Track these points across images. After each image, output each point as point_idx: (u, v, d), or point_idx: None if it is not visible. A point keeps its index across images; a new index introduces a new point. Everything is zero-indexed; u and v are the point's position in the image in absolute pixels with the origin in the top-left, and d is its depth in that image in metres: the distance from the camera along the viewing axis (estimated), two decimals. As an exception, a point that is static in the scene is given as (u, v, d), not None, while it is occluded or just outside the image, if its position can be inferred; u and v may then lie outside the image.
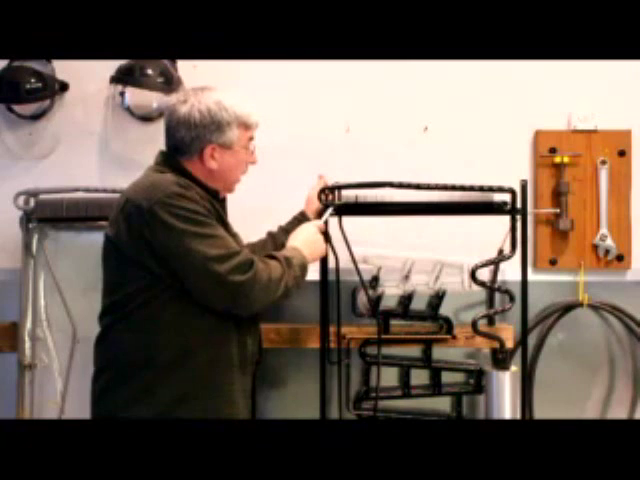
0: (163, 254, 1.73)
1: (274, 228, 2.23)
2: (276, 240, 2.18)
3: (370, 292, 2.33)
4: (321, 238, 2.03)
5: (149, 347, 1.76)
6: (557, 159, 2.45)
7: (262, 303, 1.78)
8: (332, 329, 2.31)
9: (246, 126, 1.89)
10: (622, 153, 2.46)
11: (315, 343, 2.29)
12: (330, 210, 2.10)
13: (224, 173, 1.88)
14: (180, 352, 1.77)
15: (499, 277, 2.35)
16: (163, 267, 1.74)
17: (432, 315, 2.39)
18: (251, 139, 1.92)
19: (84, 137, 2.52)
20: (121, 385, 1.78)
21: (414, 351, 2.45)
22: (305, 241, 1.97)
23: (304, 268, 1.89)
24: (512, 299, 2.20)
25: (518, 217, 2.14)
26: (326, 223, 2.08)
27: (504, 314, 2.38)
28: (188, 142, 1.83)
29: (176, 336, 1.77)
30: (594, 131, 2.47)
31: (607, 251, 2.45)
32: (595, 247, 2.46)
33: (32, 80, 2.39)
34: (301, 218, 2.22)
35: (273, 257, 1.85)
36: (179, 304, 1.77)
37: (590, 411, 2.50)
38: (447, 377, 2.44)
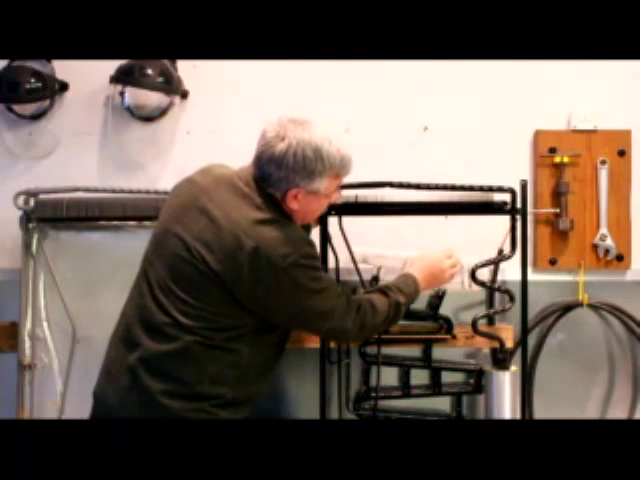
0: (282, 305, 1.80)
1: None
2: None
3: (370, 292, 2.32)
4: (446, 269, 2.09)
5: (226, 371, 1.82)
6: (557, 159, 2.45)
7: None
8: (332, 329, 2.31)
9: (338, 176, 1.87)
10: (622, 153, 2.46)
11: (315, 343, 2.28)
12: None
13: (303, 214, 1.88)
14: (248, 375, 1.87)
15: (499, 277, 2.35)
16: (268, 313, 1.82)
17: (432, 315, 2.39)
18: (339, 185, 1.91)
19: (84, 137, 2.52)
20: (191, 394, 1.81)
21: (414, 351, 2.45)
22: (429, 273, 2.07)
23: (409, 305, 2.01)
24: (512, 299, 2.20)
25: (518, 217, 2.14)
26: None
27: (504, 314, 2.38)
28: (275, 180, 1.79)
29: (251, 365, 1.86)
30: (594, 131, 2.47)
31: (607, 251, 2.45)
32: (595, 247, 2.46)
33: (32, 80, 2.39)
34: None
35: (387, 295, 1.95)
36: (258, 341, 1.85)
37: (590, 411, 2.50)
38: (447, 377, 2.44)
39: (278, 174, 1.78)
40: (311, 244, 1.84)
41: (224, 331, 1.80)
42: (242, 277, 1.75)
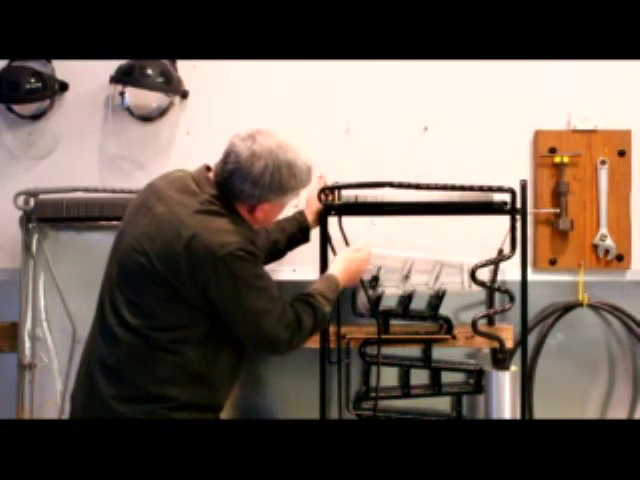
0: (220, 297, 1.77)
1: (274, 228, 2.24)
2: (269, 236, 2.18)
3: (370, 292, 2.32)
4: (363, 264, 2.14)
5: (175, 373, 1.81)
6: (557, 159, 2.45)
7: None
8: (332, 329, 2.31)
9: (305, 187, 1.91)
10: (622, 153, 2.46)
11: (315, 343, 2.28)
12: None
13: (264, 221, 1.91)
14: (202, 380, 1.85)
15: (499, 277, 2.35)
16: (212, 309, 1.79)
17: (432, 315, 2.39)
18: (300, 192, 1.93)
19: (84, 137, 2.52)
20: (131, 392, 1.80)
21: (414, 351, 2.45)
22: (352, 271, 2.10)
23: (331, 307, 2.01)
24: (512, 299, 2.20)
25: (518, 217, 2.14)
26: None
27: (504, 314, 2.38)
28: (247, 195, 1.81)
29: (204, 370, 1.84)
30: (594, 131, 2.47)
31: (607, 251, 2.45)
32: (595, 247, 2.46)
33: (32, 80, 2.39)
34: (300, 218, 2.22)
35: (313, 307, 1.93)
36: (209, 341, 1.83)
37: (590, 411, 2.50)
38: (447, 377, 2.44)
39: (252, 190, 1.80)
40: (254, 242, 1.83)
41: (169, 331, 1.79)
42: (181, 267, 1.74)
